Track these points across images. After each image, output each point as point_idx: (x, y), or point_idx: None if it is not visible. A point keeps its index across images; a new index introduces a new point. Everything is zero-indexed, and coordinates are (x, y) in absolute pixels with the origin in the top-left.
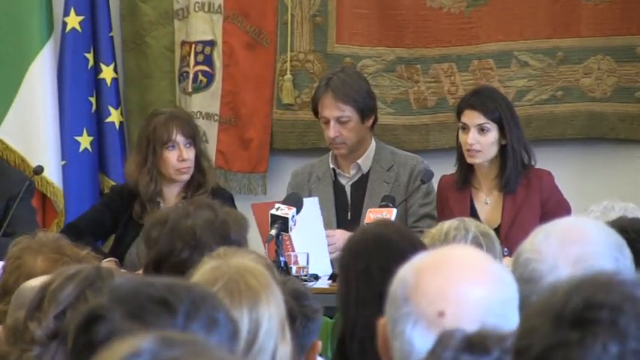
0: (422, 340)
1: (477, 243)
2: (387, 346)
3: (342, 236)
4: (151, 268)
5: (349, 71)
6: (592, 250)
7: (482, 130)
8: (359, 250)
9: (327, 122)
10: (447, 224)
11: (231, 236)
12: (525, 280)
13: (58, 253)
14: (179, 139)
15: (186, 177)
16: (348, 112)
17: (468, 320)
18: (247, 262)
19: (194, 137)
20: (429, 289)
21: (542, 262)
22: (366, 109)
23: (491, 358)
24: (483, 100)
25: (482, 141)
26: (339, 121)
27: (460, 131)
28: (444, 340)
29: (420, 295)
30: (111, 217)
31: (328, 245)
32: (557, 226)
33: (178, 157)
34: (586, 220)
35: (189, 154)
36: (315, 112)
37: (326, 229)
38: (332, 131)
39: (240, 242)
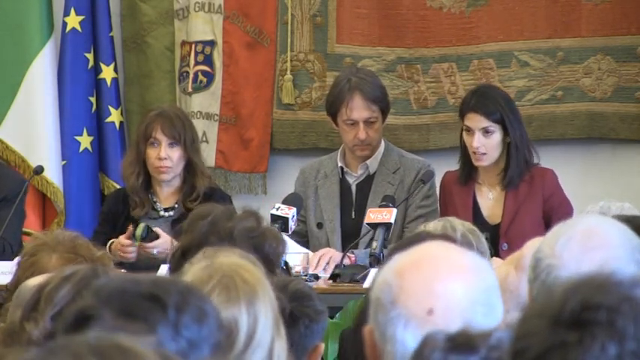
0: (415, 340)
1: (466, 242)
2: (375, 353)
3: (335, 253)
4: (179, 254)
5: (365, 71)
6: (614, 254)
7: (486, 132)
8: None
9: (354, 124)
10: (432, 225)
11: (265, 249)
12: (549, 287)
13: (73, 253)
14: (160, 137)
15: (165, 177)
16: (377, 112)
17: (457, 313)
18: (237, 258)
19: (179, 138)
20: (414, 289)
21: (565, 269)
22: (386, 108)
23: (479, 356)
24: (484, 102)
25: (487, 144)
26: (367, 121)
27: (464, 133)
28: (429, 342)
29: (406, 295)
30: (113, 228)
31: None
32: (577, 228)
33: (157, 155)
34: (605, 220)
35: (171, 153)
36: (334, 116)
37: (329, 228)
38: (362, 133)
39: (273, 258)
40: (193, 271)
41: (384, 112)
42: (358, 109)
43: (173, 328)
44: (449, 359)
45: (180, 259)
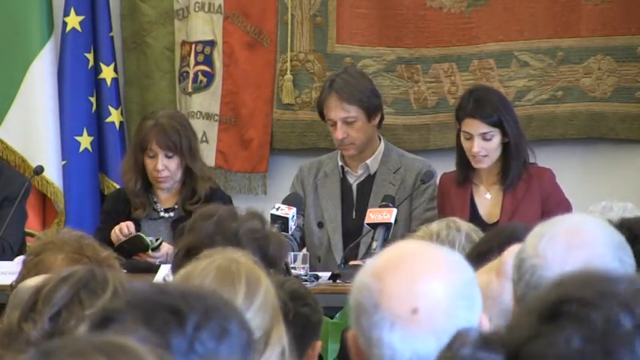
0: (402, 340)
1: (470, 240)
2: (361, 357)
3: None
4: (183, 254)
5: (352, 71)
6: (598, 252)
7: (485, 137)
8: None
9: (334, 124)
10: (435, 225)
11: (269, 251)
12: (533, 287)
13: (79, 254)
14: (156, 149)
15: (164, 186)
16: (354, 112)
17: (441, 310)
18: (240, 255)
19: (175, 149)
20: (395, 290)
21: (549, 268)
22: (372, 107)
23: None
24: (482, 106)
25: (487, 147)
26: (345, 122)
27: (463, 138)
28: (460, 337)
29: (388, 298)
30: (115, 226)
31: None
32: (560, 227)
33: (154, 167)
34: (588, 219)
35: (168, 164)
36: (322, 115)
37: (330, 227)
38: (339, 132)
39: (276, 260)
40: (195, 263)
41: (369, 112)
42: (334, 109)
43: (188, 343)
44: (478, 355)
45: (184, 258)
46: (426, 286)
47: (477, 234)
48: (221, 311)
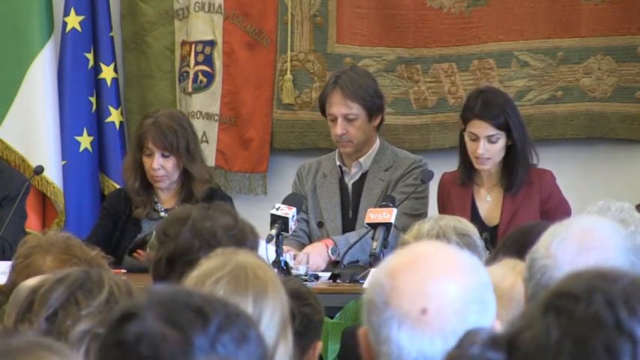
0: (409, 340)
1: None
2: (371, 354)
3: (312, 249)
4: (164, 263)
5: (358, 70)
6: (609, 255)
7: (491, 139)
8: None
9: (335, 120)
10: (425, 229)
11: (247, 244)
12: (543, 287)
13: (68, 254)
14: (153, 148)
15: (161, 185)
16: (356, 109)
17: (450, 312)
18: (253, 258)
19: (172, 149)
20: (407, 289)
21: (559, 269)
22: (374, 108)
23: None
24: (489, 108)
25: (491, 149)
26: (346, 118)
27: (468, 139)
28: (470, 336)
29: (399, 296)
30: (114, 225)
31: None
32: (573, 228)
33: (150, 165)
34: (601, 221)
35: (165, 163)
36: (323, 111)
37: (330, 227)
38: (339, 128)
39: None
40: (208, 262)
41: (370, 111)
42: (337, 104)
43: (210, 343)
44: (486, 355)
45: (166, 267)
46: (438, 287)
47: (465, 239)
48: (242, 318)
